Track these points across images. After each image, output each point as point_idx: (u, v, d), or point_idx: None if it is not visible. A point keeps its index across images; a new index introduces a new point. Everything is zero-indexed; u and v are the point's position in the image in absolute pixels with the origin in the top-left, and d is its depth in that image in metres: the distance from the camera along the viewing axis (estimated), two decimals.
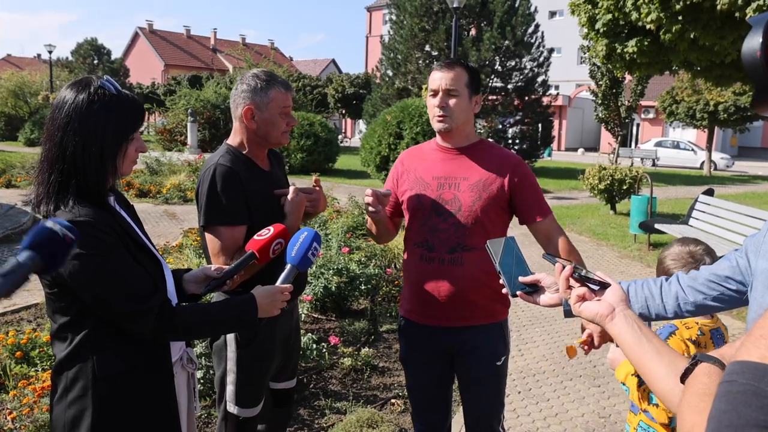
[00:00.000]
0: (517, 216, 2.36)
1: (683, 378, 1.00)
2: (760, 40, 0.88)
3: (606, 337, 2.20)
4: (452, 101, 2.26)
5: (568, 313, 1.55)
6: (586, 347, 2.22)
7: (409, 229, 2.42)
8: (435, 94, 2.30)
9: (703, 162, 26.15)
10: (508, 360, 2.45)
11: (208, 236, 2.18)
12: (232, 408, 2.33)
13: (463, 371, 2.42)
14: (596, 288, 1.35)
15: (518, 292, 1.55)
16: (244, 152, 2.28)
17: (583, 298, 1.34)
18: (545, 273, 1.58)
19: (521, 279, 1.55)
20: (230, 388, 2.32)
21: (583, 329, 2.26)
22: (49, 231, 1.23)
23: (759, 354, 0.70)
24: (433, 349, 2.41)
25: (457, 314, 2.32)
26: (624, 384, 2.13)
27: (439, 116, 2.29)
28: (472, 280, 2.27)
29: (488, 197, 2.26)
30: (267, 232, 1.92)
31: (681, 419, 0.88)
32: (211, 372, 2.46)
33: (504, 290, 1.58)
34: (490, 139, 19.01)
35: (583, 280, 1.39)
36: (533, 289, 1.56)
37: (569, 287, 1.39)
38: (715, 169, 26.13)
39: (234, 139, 2.31)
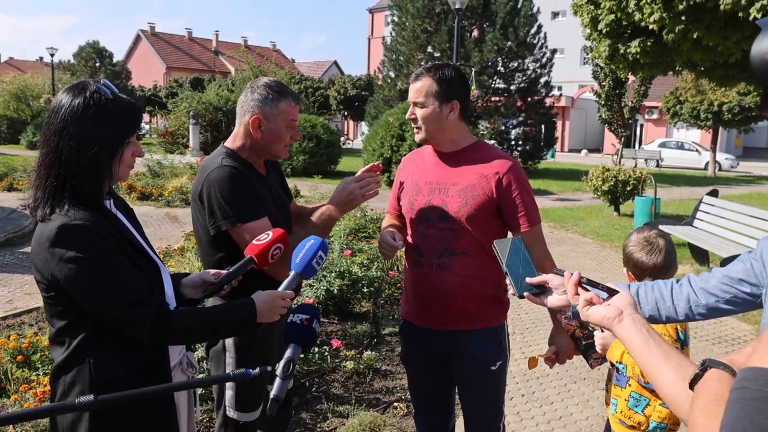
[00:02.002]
0: (506, 221, 2.31)
1: (692, 384, 0.99)
2: None
3: (570, 355, 2.30)
4: (419, 112, 2.27)
5: (576, 315, 1.52)
6: (549, 362, 2.30)
7: (407, 234, 2.43)
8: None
9: (707, 162, 26.09)
10: (507, 365, 2.43)
11: (240, 237, 2.14)
12: (231, 413, 2.32)
13: (459, 375, 2.42)
14: (604, 296, 1.34)
15: (525, 293, 1.53)
16: (242, 156, 2.27)
17: (590, 303, 1.32)
18: (552, 274, 1.55)
19: (528, 280, 1.53)
20: (229, 393, 2.31)
21: (550, 344, 2.28)
22: (290, 324, 1.67)
23: None
24: (431, 351, 2.42)
25: (448, 318, 2.32)
26: (620, 362, 2.12)
27: (414, 128, 2.34)
28: (461, 285, 2.26)
29: (475, 203, 2.23)
30: (266, 237, 1.89)
31: (693, 424, 0.88)
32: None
33: (510, 291, 1.56)
34: (492, 141, 18.89)
35: (591, 286, 1.37)
36: (540, 291, 1.53)
37: (577, 293, 1.38)
38: (720, 169, 26.07)
39: (234, 142, 2.30)
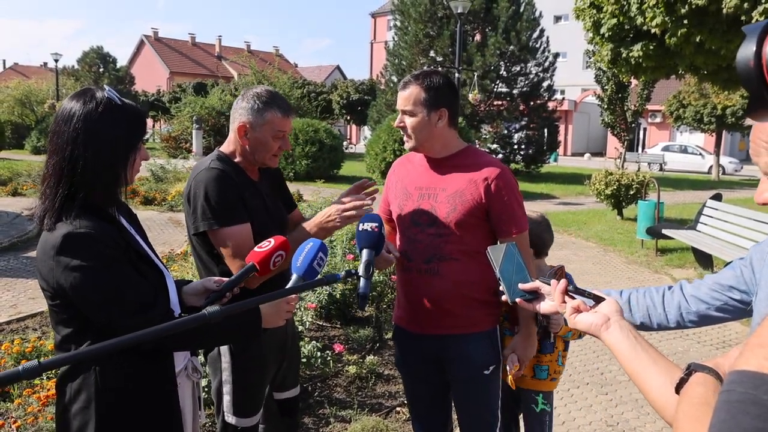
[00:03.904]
0: (493, 227, 2.29)
1: (678, 388, 1.00)
2: (754, 49, 0.89)
3: (527, 362, 2.44)
4: (408, 121, 2.26)
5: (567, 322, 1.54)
6: (515, 374, 2.40)
7: (396, 238, 2.43)
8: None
9: (711, 166, 26.05)
10: (500, 369, 2.42)
11: (217, 241, 2.15)
12: (230, 419, 2.32)
13: (451, 379, 2.42)
14: (591, 303, 1.34)
15: (517, 299, 1.53)
16: (234, 160, 2.29)
17: (578, 310, 1.33)
18: (553, 281, 1.56)
19: (521, 286, 1.54)
20: (227, 399, 2.32)
21: (509, 353, 2.40)
22: (363, 232, 1.93)
23: (757, 363, 0.71)
24: (424, 356, 2.42)
25: (439, 323, 2.32)
26: (569, 332, 2.59)
27: (404, 135, 2.32)
28: (450, 290, 2.26)
29: (463, 208, 2.22)
30: (267, 244, 1.89)
31: (677, 428, 0.89)
32: (210, 381, 2.45)
33: (504, 297, 1.56)
34: (494, 145, 18.71)
35: (578, 294, 1.38)
36: (533, 297, 1.54)
37: (564, 301, 1.39)
38: (724, 173, 26.01)
39: (227, 147, 2.31)
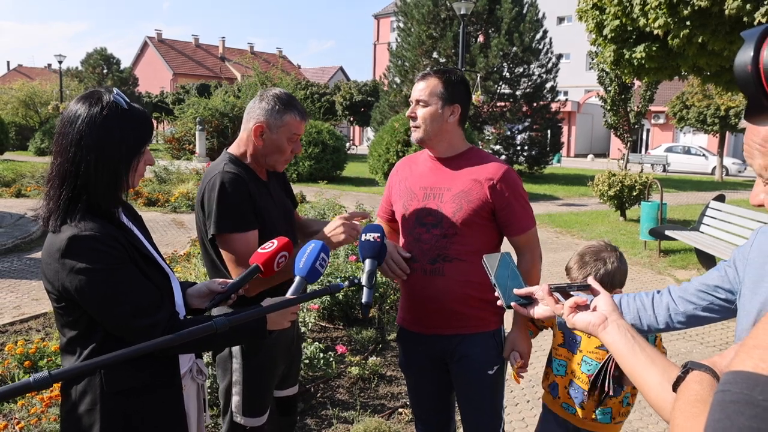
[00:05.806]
0: (500, 226, 2.32)
1: (675, 386, 1.02)
2: (751, 54, 0.91)
3: (528, 357, 2.35)
4: (421, 111, 2.29)
5: (562, 326, 1.55)
6: (523, 371, 2.33)
7: (400, 238, 2.44)
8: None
9: (714, 167, 26.00)
10: (505, 369, 2.43)
11: (224, 245, 2.16)
12: (239, 419, 2.34)
13: (455, 379, 2.42)
14: (585, 296, 1.35)
15: (512, 303, 1.57)
16: (245, 162, 2.29)
17: (576, 309, 1.33)
18: (539, 286, 1.58)
19: (516, 291, 1.58)
20: (236, 399, 2.33)
21: (509, 351, 2.34)
22: (365, 242, 1.97)
23: (752, 364, 0.72)
24: (428, 356, 2.42)
25: (444, 323, 2.32)
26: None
27: (412, 126, 2.34)
28: (455, 290, 2.27)
29: (469, 208, 2.24)
30: (271, 245, 1.91)
31: (673, 425, 0.90)
32: (218, 381, 2.46)
33: (499, 302, 1.59)
34: (497, 146, 18.66)
35: (561, 291, 1.39)
36: (528, 302, 1.57)
37: (557, 301, 1.40)
38: (727, 174, 25.96)
39: (237, 148, 2.32)
